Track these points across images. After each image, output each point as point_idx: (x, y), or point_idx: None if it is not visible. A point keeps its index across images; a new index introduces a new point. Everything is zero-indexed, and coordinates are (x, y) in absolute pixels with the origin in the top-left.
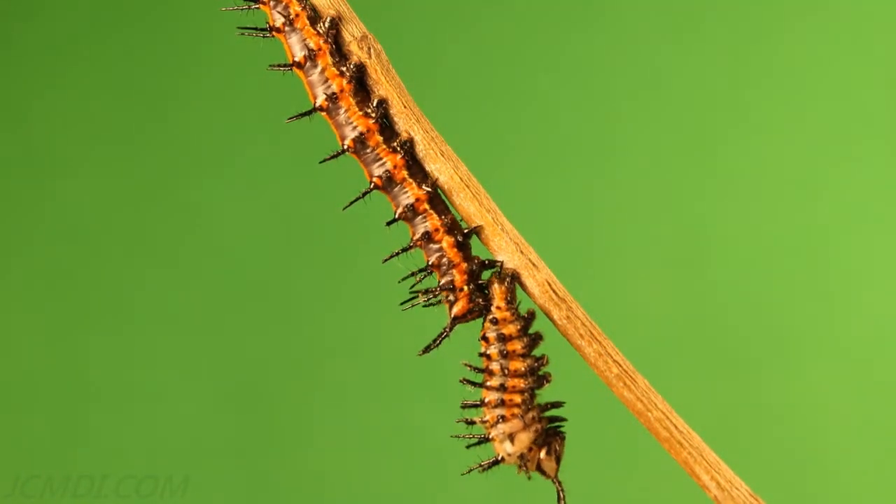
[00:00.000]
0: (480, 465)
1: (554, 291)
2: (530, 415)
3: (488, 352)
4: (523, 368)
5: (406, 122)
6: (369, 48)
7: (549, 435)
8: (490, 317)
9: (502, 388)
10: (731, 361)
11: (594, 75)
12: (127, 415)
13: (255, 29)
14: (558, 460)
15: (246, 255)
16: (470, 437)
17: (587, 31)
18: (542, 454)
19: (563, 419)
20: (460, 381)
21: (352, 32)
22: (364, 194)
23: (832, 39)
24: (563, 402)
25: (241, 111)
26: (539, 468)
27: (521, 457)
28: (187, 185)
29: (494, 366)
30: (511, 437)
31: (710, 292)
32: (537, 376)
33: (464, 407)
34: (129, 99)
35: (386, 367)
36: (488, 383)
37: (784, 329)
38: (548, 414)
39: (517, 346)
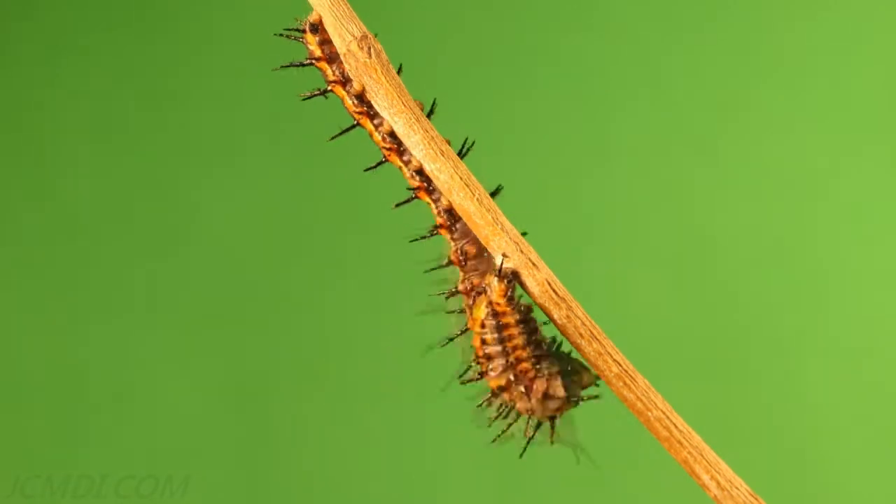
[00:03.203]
0: (504, 428)
1: (554, 291)
2: (527, 351)
3: (484, 336)
4: (521, 341)
5: (406, 122)
6: (369, 48)
7: (557, 358)
8: (487, 310)
9: (504, 350)
10: (731, 361)
11: (594, 75)
12: (127, 415)
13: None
14: (565, 380)
15: (246, 256)
16: (486, 405)
17: (587, 31)
18: (546, 374)
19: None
20: (455, 334)
21: (352, 32)
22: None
23: (833, 39)
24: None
25: (240, 111)
26: (547, 394)
27: (526, 388)
28: (186, 184)
29: (490, 337)
30: (509, 369)
31: (711, 292)
32: (535, 341)
33: (449, 341)
34: (126, 97)
35: (385, 367)
36: (487, 350)
37: (784, 329)
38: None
39: (510, 320)
